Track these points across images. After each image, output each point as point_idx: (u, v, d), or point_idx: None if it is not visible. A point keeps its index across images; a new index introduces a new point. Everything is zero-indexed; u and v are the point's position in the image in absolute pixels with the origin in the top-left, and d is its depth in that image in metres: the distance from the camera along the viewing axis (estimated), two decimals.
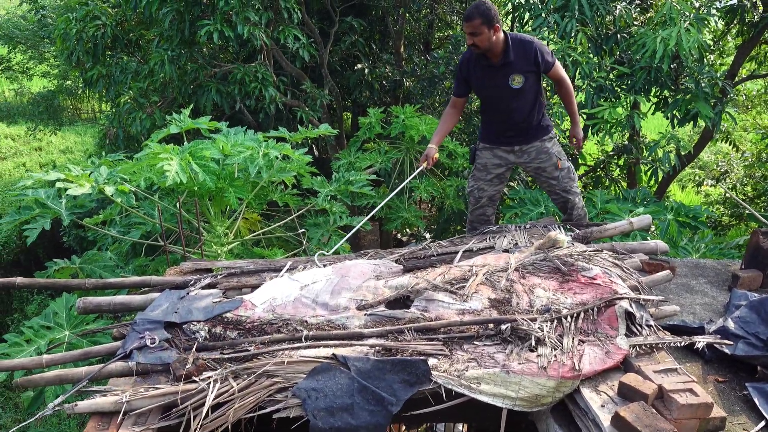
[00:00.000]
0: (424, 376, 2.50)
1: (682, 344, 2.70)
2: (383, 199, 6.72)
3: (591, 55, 6.86)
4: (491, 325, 2.76)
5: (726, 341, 2.85)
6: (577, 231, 3.71)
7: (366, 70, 9.09)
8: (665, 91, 6.93)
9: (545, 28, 6.81)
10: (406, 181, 4.31)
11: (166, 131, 4.68)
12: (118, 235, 5.07)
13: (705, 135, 8.92)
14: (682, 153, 7.71)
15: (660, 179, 8.06)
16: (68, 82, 12.34)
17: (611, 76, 7.03)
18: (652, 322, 2.76)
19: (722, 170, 12.21)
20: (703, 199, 13.07)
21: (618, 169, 9.28)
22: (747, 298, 3.20)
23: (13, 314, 9.71)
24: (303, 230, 5.19)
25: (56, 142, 17.54)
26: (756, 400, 2.56)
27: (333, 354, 2.62)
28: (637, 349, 2.64)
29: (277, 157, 4.50)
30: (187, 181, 4.04)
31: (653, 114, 7.25)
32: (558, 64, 3.95)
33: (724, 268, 4.15)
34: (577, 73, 6.66)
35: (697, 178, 12.48)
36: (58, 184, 3.81)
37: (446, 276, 3.11)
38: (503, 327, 2.70)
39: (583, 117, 7.64)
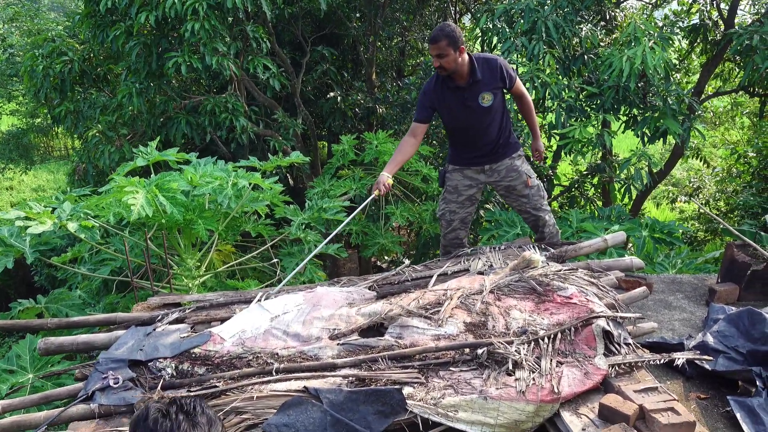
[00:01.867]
0: (398, 405, 2.41)
1: (662, 362, 2.65)
2: (359, 225, 6.68)
3: (560, 76, 6.94)
4: (467, 350, 2.68)
5: (706, 357, 2.81)
6: (552, 250, 3.67)
7: (339, 98, 9.10)
8: (634, 110, 7.01)
9: (514, 52, 6.88)
10: (358, 209, 4.18)
11: (132, 164, 4.59)
12: (88, 272, 4.92)
13: (676, 151, 9.04)
14: (654, 170, 7.79)
15: (634, 197, 8.12)
16: (38, 120, 12.20)
17: (581, 96, 7.12)
18: (630, 340, 2.71)
19: (695, 186, 12.38)
20: (678, 215, 13.21)
21: (592, 188, 9.35)
22: (725, 312, 3.17)
23: None
24: (276, 260, 5.09)
25: (28, 181, 17.29)
26: (738, 415, 2.51)
27: (304, 387, 2.52)
28: (617, 368, 2.58)
29: (247, 187, 4.42)
30: (154, 214, 3.93)
31: (623, 132, 7.33)
32: (519, 80, 3.99)
33: (700, 282, 4.14)
34: (546, 94, 6.72)
35: (670, 195, 12.63)
36: (18, 222, 3.68)
37: (420, 301, 3.04)
38: (479, 351, 2.62)
39: (555, 137, 7.71)
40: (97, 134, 7.07)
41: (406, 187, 7.32)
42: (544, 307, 2.93)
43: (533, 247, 3.73)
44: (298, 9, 8.52)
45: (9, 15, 10.53)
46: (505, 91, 4.01)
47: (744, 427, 2.47)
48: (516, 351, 2.61)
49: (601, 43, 7.43)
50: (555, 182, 9.14)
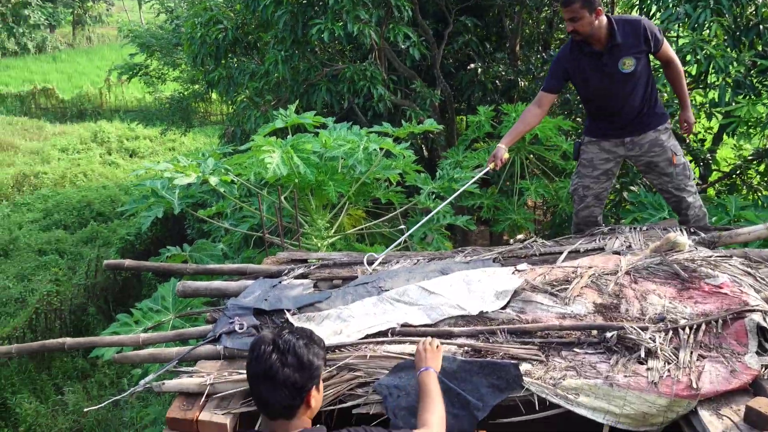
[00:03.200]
0: (514, 381, 2.29)
1: None
2: (492, 199, 6.49)
3: (728, 49, 6.22)
4: (594, 332, 2.49)
5: None
6: (703, 235, 3.31)
7: (479, 70, 8.85)
8: None
9: (674, 21, 6.26)
10: (470, 182, 4.08)
11: (272, 126, 4.76)
12: (230, 227, 5.23)
13: None
14: None
15: None
16: (196, 87, 13.16)
17: (752, 71, 6.34)
18: None
19: None
20: None
21: (758, 176, 8.37)
22: None
23: (141, 300, 10.45)
24: (402, 227, 5.08)
25: (188, 143, 18.79)
26: None
27: None
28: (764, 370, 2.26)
29: (377, 151, 4.42)
30: (288, 173, 4.06)
31: None
32: (666, 42, 3.60)
33: None
34: (710, 68, 6.06)
35: None
36: (166, 174, 3.96)
37: (547, 277, 2.86)
38: (608, 335, 2.42)
39: (717, 116, 6.97)
40: (245, 99, 7.45)
41: (544, 164, 6.99)
42: (688, 294, 2.64)
43: (681, 230, 3.38)
44: None
45: None
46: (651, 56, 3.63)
47: None
48: (650, 338, 2.38)
49: None
50: (714, 167, 8.29)
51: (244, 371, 2.54)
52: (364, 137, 4.48)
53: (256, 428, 2.08)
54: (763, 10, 6.34)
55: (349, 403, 2.40)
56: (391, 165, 5.15)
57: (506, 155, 3.73)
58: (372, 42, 6.79)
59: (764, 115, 5.94)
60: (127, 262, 3.57)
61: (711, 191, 8.48)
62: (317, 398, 1.84)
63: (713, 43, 6.06)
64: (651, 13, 6.64)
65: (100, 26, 38.05)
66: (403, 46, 6.94)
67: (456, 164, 6.26)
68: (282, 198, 4.61)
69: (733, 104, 6.04)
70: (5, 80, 26.56)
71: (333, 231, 5.06)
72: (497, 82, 9.02)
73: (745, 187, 8.12)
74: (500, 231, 6.64)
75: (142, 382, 2.61)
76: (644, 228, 3.47)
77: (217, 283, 3.34)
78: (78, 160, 17.43)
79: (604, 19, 3.42)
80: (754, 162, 7.99)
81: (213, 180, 3.94)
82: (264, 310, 2.97)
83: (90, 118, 22.50)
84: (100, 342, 3.09)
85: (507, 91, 9.39)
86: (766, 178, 8.29)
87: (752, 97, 6.14)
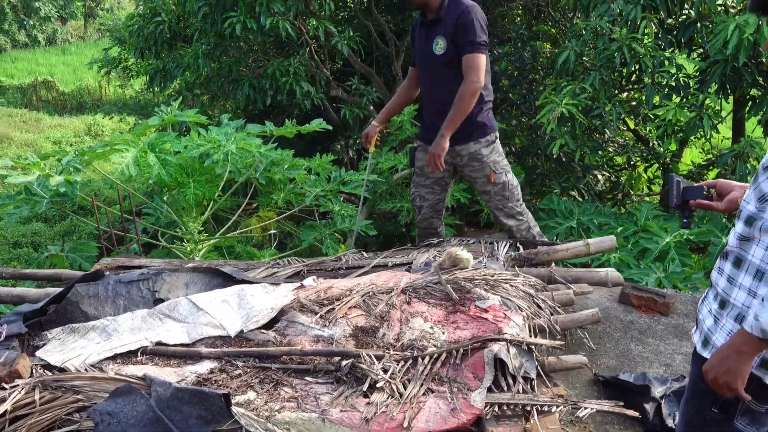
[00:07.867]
0: (219, 413, 2.10)
1: (558, 410, 2.05)
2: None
3: (661, 46, 5.91)
4: (337, 359, 2.28)
5: (631, 411, 2.15)
6: (521, 251, 3.06)
7: None
8: (754, 90, 5.79)
9: (606, 18, 5.96)
10: (367, 171, 4.17)
11: (146, 124, 4.59)
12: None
13: None
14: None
15: None
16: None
17: (690, 71, 6.01)
18: (532, 375, 2.13)
19: None
20: None
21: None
22: None
23: None
24: (275, 231, 4.90)
25: None
26: None
27: (144, 374, 2.30)
28: (495, 409, 2.03)
29: (233, 152, 4.21)
30: (137, 174, 3.89)
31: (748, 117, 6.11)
32: (480, 57, 3.16)
33: None
34: (639, 68, 5.77)
35: None
36: (2, 171, 3.82)
37: (323, 294, 2.66)
38: (344, 363, 2.22)
39: (651, 117, 6.64)
40: (173, 93, 7.29)
41: None
42: (453, 318, 2.42)
43: (511, 245, 3.13)
44: None
45: None
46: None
47: None
48: (384, 368, 2.16)
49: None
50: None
51: None
52: (231, 137, 4.30)
53: None
54: (701, 6, 6.01)
55: (63, 430, 2.23)
56: (301, 164, 4.95)
57: (377, 128, 3.70)
58: (304, 36, 6.59)
59: (694, 118, 5.61)
60: None
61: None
62: None
63: (645, 41, 5.77)
64: (586, 4, 6.31)
65: (111, 18, 38.29)
66: (323, 41, 6.70)
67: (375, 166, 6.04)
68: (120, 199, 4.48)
69: (663, 107, 5.74)
70: (11, 72, 26.82)
71: (219, 234, 4.91)
72: None
73: None
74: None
75: None
76: (471, 242, 3.23)
77: (18, 290, 3.19)
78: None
79: None
80: (710, 167, 7.62)
81: (54, 180, 3.79)
82: (51, 318, 2.82)
83: (90, 111, 22.56)
84: None
85: None
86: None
87: (687, 99, 5.83)
